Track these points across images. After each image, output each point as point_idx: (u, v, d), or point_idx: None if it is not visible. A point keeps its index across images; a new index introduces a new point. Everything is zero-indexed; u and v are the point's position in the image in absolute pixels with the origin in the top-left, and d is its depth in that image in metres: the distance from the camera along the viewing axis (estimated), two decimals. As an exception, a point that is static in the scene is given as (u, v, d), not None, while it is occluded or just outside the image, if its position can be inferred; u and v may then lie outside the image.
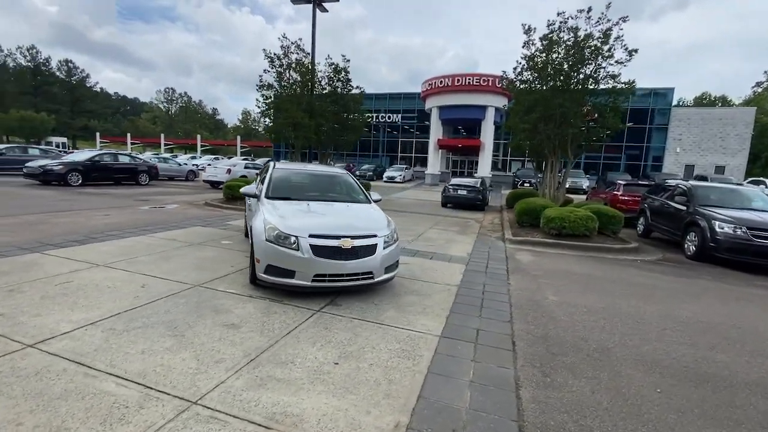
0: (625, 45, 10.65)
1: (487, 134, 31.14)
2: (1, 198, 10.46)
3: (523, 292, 5.10)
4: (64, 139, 48.51)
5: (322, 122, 15.73)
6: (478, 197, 15.74)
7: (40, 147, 22.97)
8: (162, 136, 60.62)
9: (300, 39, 15.08)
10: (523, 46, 11.99)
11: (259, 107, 15.20)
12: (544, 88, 11.72)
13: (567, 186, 28.04)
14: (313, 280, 3.98)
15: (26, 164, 14.69)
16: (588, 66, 11.21)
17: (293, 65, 14.83)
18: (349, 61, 16.41)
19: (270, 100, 14.95)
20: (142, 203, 11.32)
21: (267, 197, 5.01)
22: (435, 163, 34.08)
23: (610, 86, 11.22)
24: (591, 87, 11.47)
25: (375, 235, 4.32)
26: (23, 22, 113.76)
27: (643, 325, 4.14)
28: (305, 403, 2.40)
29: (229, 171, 17.97)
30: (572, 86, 11.35)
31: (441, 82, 31.04)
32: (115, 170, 16.77)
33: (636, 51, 10.63)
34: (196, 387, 2.48)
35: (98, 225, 7.48)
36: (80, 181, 14.87)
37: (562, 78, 11.44)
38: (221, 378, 2.60)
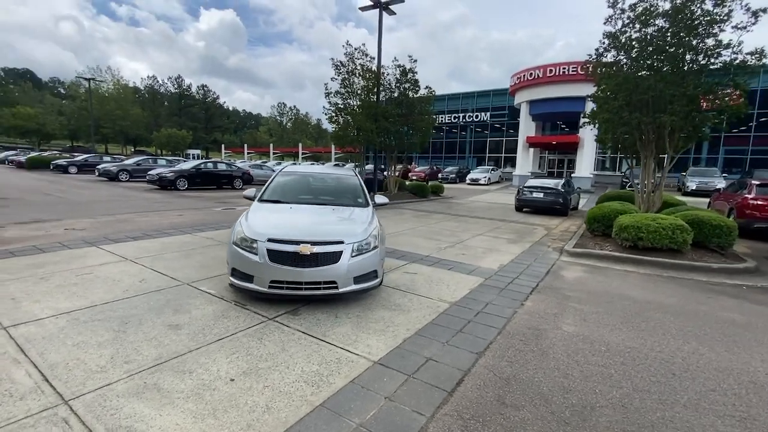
0: (747, 5, 8.13)
1: (587, 129, 27.32)
2: (118, 200, 12.90)
3: (533, 317, 4.17)
4: (198, 151, 58.43)
5: (387, 125, 15.71)
6: (558, 201, 13.89)
7: (167, 158, 27.81)
8: (271, 145, 68.44)
9: (363, 44, 15.34)
10: (605, 23, 10.10)
11: (325, 114, 15.92)
12: (633, 68, 9.66)
13: (694, 188, 23.27)
14: (269, 287, 3.84)
15: (148, 172, 17.93)
16: (697, 37, 8.89)
17: (357, 71, 15.12)
18: (416, 61, 16.10)
19: (336, 106, 15.51)
20: (220, 205, 12.75)
21: (259, 200, 5.08)
22: (524, 162, 31.40)
23: (728, 59, 8.69)
24: (702, 62, 9.07)
25: (341, 242, 3.99)
26: (180, 56, 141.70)
27: (679, 380, 2.98)
28: (159, 420, 2.24)
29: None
30: (672, 66, 9.14)
31: (531, 74, 28.47)
32: (214, 176, 19.38)
33: (765, 10, 8.01)
34: (83, 385, 2.53)
35: (164, 224, 8.61)
36: (186, 186, 17.55)
37: (663, 56, 9.30)
38: (111, 379, 2.61)
